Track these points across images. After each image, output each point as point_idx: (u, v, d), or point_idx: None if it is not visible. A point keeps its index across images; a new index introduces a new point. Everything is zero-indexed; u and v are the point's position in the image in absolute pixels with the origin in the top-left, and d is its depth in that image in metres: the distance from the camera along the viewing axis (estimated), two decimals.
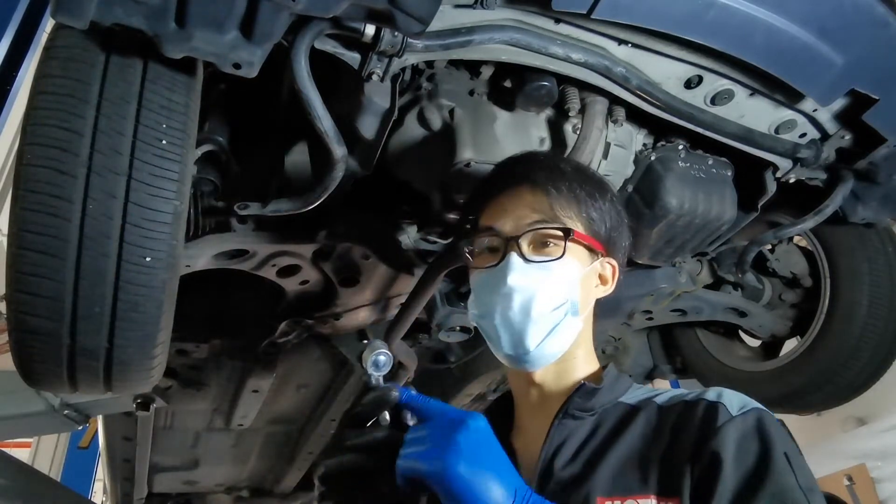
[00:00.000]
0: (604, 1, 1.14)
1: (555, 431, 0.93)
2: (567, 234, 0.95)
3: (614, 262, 1.02)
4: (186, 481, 3.42)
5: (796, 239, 2.11)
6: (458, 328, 1.78)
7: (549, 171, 1.00)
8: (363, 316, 1.88)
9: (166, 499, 3.58)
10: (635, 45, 1.31)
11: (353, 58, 1.21)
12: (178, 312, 1.20)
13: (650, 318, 2.09)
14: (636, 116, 1.50)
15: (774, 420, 0.88)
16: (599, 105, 1.42)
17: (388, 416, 0.79)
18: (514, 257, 0.95)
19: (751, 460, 0.81)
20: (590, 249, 0.99)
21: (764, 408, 0.90)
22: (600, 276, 1.02)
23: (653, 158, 1.59)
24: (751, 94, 1.43)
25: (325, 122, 1.21)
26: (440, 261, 1.62)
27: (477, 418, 0.76)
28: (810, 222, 1.71)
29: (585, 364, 1.01)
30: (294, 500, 3.59)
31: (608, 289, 1.03)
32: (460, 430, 0.74)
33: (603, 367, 1.02)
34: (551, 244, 0.96)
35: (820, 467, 5.08)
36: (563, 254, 0.95)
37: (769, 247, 2.14)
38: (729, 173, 1.64)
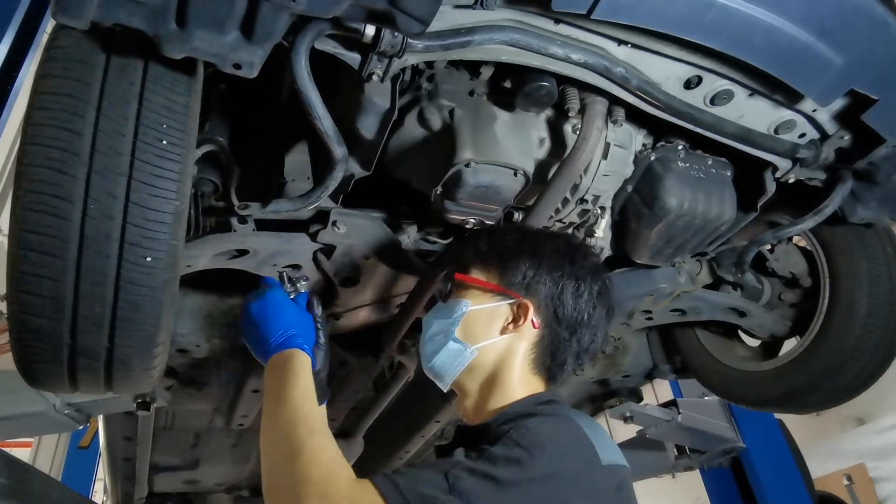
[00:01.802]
0: (603, 1, 1.14)
1: None
2: (448, 276, 1.23)
3: (525, 302, 1.15)
4: (187, 481, 3.42)
5: (796, 239, 2.11)
6: None
7: (472, 238, 1.28)
8: (363, 316, 1.88)
9: (167, 498, 3.59)
10: (635, 46, 1.31)
11: (353, 58, 1.21)
12: (178, 312, 1.20)
13: (650, 318, 2.09)
14: (636, 116, 1.50)
15: (512, 440, 0.94)
16: (599, 105, 1.42)
17: None
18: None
19: None
20: (485, 290, 1.18)
21: (519, 432, 0.96)
22: (514, 317, 1.15)
23: (652, 158, 1.59)
24: (750, 95, 1.43)
25: (325, 121, 1.21)
26: (440, 260, 1.63)
27: (269, 289, 1.26)
28: (809, 222, 1.70)
29: (496, 400, 1.14)
30: None
31: (524, 326, 1.14)
32: (256, 294, 1.26)
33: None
34: (455, 286, 1.21)
35: (820, 467, 5.09)
36: (450, 291, 1.21)
37: (769, 247, 2.14)
38: (728, 173, 1.64)
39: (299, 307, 1.28)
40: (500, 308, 1.16)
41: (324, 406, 1.21)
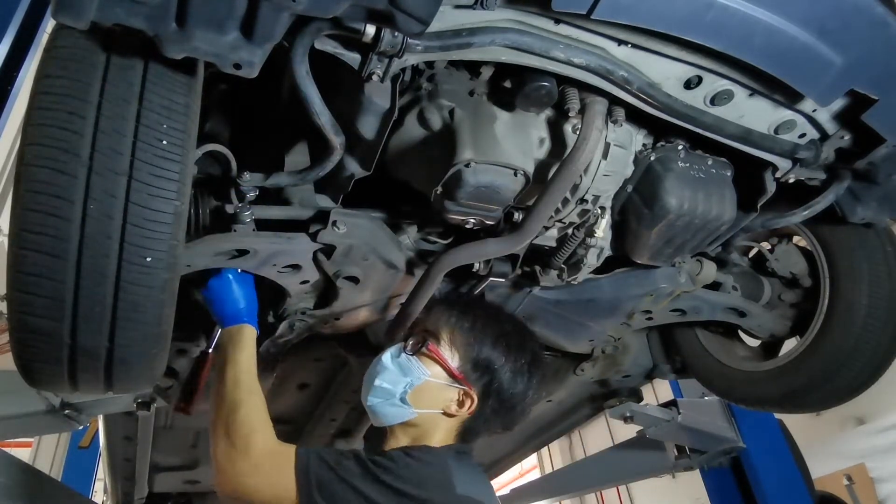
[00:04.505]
0: (604, 1, 1.14)
1: None
2: (419, 337, 1.35)
3: (472, 394, 1.30)
4: (187, 481, 3.42)
5: (795, 239, 2.11)
6: None
7: (458, 309, 1.37)
8: (363, 316, 1.88)
9: (167, 498, 3.59)
10: (635, 46, 1.31)
11: (353, 58, 1.21)
12: (178, 312, 1.21)
13: (650, 318, 2.09)
14: (636, 116, 1.50)
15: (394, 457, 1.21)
16: (599, 105, 1.42)
17: None
18: (397, 346, 1.36)
19: None
20: (445, 369, 1.31)
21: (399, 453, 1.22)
22: (458, 402, 1.31)
23: (652, 159, 1.59)
24: (750, 95, 1.43)
25: (323, 116, 1.22)
26: (440, 261, 1.63)
27: (223, 276, 1.49)
28: (799, 216, 1.72)
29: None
30: None
31: (462, 412, 1.30)
32: (213, 275, 1.49)
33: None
34: (423, 351, 1.33)
35: (820, 467, 5.09)
36: (410, 350, 1.33)
37: (769, 247, 2.14)
38: (728, 173, 1.64)
39: (247, 282, 1.53)
40: (450, 389, 1.31)
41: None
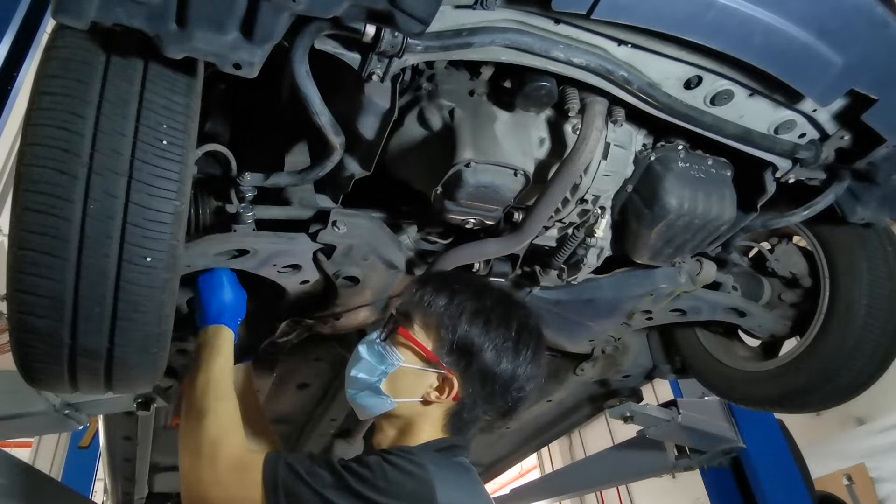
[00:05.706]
0: (604, 1, 1.14)
1: None
2: (396, 319, 1.27)
3: (452, 378, 1.21)
4: None
5: (795, 239, 2.11)
6: None
7: (430, 289, 1.27)
8: (363, 316, 1.88)
9: (167, 498, 3.58)
10: (635, 46, 1.31)
11: (353, 58, 1.21)
12: (178, 312, 1.21)
13: (650, 318, 2.09)
14: (636, 116, 1.50)
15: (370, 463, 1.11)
16: (599, 105, 1.42)
17: None
18: (374, 333, 1.29)
19: None
20: (418, 353, 1.23)
21: (378, 459, 1.12)
22: (438, 388, 1.22)
23: (652, 159, 1.59)
24: (750, 95, 1.44)
25: (323, 116, 1.22)
26: (440, 261, 1.63)
27: (215, 273, 1.49)
28: (799, 216, 1.72)
29: (404, 442, 1.23)
30: None
31: (445, 399, 1.21)
32: (204, 274, 1.48)
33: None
34: (395, 336, 1.26)
35: (820, 467, 5.09)
36: (383, 336, 1.26)
37: (769, 247, 2.14)
38: (728, 173, 1.64)
39: (235, 283, 1.51)
40: (428, 374, 1.23)
41: (249, 364, 1.61)
